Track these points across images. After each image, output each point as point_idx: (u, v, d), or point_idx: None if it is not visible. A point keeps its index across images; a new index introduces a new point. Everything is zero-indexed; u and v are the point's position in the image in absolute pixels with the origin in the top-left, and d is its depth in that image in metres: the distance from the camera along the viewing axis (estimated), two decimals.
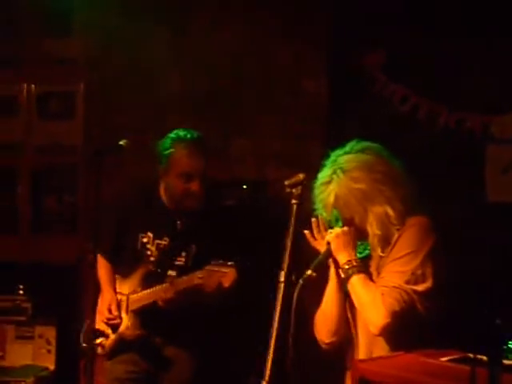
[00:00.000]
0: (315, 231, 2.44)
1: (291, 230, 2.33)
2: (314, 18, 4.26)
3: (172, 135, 3.20)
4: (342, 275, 2.35)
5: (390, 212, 2.31)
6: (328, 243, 2.37)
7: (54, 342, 4.35)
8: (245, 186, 4.22)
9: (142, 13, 4.51)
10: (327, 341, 2.46)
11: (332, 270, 2.41)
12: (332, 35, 4.21)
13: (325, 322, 2.45)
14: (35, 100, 4.80)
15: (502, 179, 3.98)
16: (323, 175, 2.38)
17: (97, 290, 3.18)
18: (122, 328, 3.21)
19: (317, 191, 2.39)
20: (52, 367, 4.35)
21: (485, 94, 3.97)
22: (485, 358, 1.67)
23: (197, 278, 2.96)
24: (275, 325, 2.22)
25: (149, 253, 3.19)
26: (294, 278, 2.30)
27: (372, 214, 2.32)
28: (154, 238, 3.19)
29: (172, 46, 4.57)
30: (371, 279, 2.33)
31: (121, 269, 3.31)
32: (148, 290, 3.14)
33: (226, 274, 2.88)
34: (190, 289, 2.99)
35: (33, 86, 4.81)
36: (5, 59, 4.75)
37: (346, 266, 2.33)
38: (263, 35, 4.42)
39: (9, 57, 4.77)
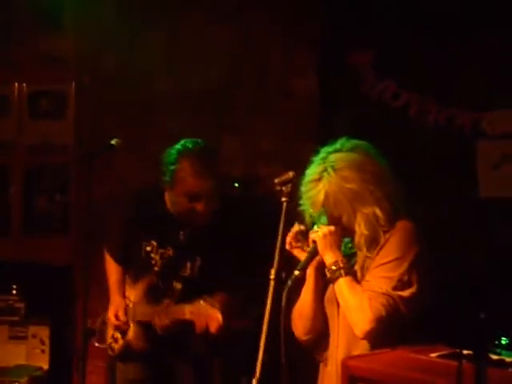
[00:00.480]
0: (294, 239, 2.42)
1: (281, 227, 2.34)
2: (304, 18, 4.26)
3: (179, 147, 2.99)
4: (329, 275, 2.35)
5: (379, 213, 2.31)
6: (314, 242, 2.36)
7: (47, 341, 4.35)
8: (236, 184, 4.23)
9: (134, 12, 4.51)
10: (304, 338, 2.48)
11: (311, 268, 2.40)
12: (322, 34, 4.21)
13: (301, 320, 2.46)
14: (26, 99, 4.79)
15: (493, 175, 3.99)
16: (312, 172, 2.37)
17: (89, 290, 3.17)
18: (129, 335, 3.20)
19: (305, 188, 2.37)
20: (46, 367, 4.35)
21: (475, 91, 3.98)
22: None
23: (188, 312, 2.93)
24: (265, 322, 2.23)
25: (153, 262, 3.13)
26: (283, 275, 2.31)
27: (361, 214, 2.32)
28: (158, 246, 3.12)
29: (163, 45, 4.57)
30: (357, 279, 2.33)
31: (131, 273, 3.28)
32: (149, 308, 3.11)
33: (213, 319, 2.85)
34: (181, 321, 2.96)
35: (24, 85, 4.80)
36: None
37: (334, 267, 2.32)
38: (254, 35, 4.42)
39: (0, 56, 4.76)
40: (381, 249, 2.33)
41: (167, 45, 4.56)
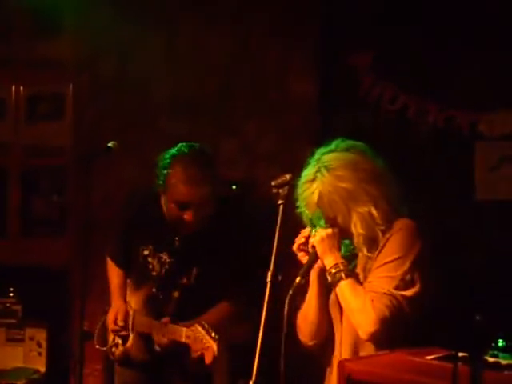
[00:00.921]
0: (303, 242, 2.39)
1: (278, 229, 2.34)
2: (301, 20, 4.27)
3: (174, 151, 2.87)
4: (330, 279, 2.32)
5: (374, 212, 2.29)
6: (313, 247, 2.34)
7: (44, 344, 4.35)
8: (234, 187, 4.22)
9: (132, 15, 4.51)
10: (310, 343, 2.45)
11: (313, 273, 2.38)
12: (320, 36, 4.22)
13: (306, 325, 2.44)
14: (24, 102, 4.79)
15: (490, 177, 3.99)
16: (307, 173, 2.35)
17: (86, 292, 3.16)
18: (128, 344, 3.18)
19: (300, 189, 2.36)
20: (43, 369, 4.35)
21: (473, 92, 3.99)
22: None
23: (184, 335, 2.89)
24: (262, 325, 2.23)
25: (150, 267, 3.09)
26: (280, 277, 2.30)
27: (356, 213, 2.30)
28: (155, 251, 3.08)
29: (162, 48, 4.57)
30: (359, 281, 2.32)
31: (132, 278, 3.24)
32: (149, 321, 3.07)
33: (208, 349, 2.80)
34: (178, 342, 2.94)
35: (21, 87, 4.80)
36: None
37: (334, 270, 2.30)
38: (253, 37, 4.42)
39: None
40: (382, 248, 2.30)
41: (166, 48, 4.57)
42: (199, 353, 2.85)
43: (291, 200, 2.39)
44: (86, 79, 4.68)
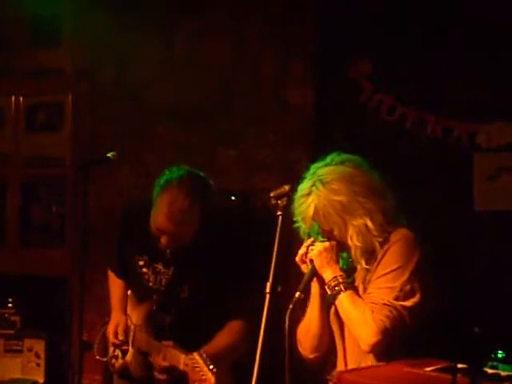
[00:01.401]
0: (305, 254, 2.40)
1: (277, 240, 2.34)
2: (299, 29, 4.28)
3: (162, 180, 2.88)
4: (329, 292, 2.33)
5: (370, 224, 2.30)
6: (311, 261, 2.35)
7: (43, 355, 4.34)
8: (233, 198, 4.22)
9: (131, 24, 4.52)
10: (311, 356, 2.46)
11: (314, 286, 2.39)
12: (318, 46, 4.22)
13: (308, 338, 2.44)
14: (23, 111, 4.80)
15: (488, 187, 4.00)
16: (302, 187, 2.36)
17: (85, 303, 3.16)
18: (127, 357, 3.16)
19: (296, 204, 2.37)
20: (41, 381, 4.34)
21: (471, 103, 3.99)
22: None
23: (183, 363, 2.87)
24: (261, 335, 2.23)
25: (146, 277, 3.08)
26: (279, 288, 2.30)
27: (351, 226, 2.31)
28: (150, 261, 3.07)
29: (160, 57, 4.58)
30: (358, 294, 2.32)
31: (132, 290, 3.23)
32: (149, 341, 3.05)
33: (206, 381, 2.77)
34: (176, 368, 2.91)
35: (21, 97, 4.81)
36: None
37: (333, 283, 2.31)
38: (250, 47, 4.43)
39: None
40: (381, 260, 2.31)
41: (164, 57, 4.57)
42: (195, 382, 2.82)
43: (290, 211, 2.39)
44: (85, 88, 4.68)
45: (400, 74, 4.09)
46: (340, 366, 2.40)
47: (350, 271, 2.40)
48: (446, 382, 1.67)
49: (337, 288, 2.30)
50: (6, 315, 4.39)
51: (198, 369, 2.80)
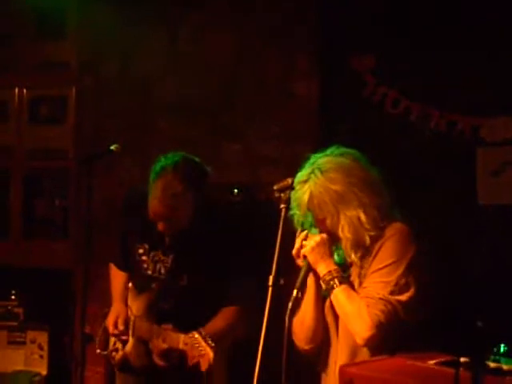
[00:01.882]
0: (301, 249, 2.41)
1: (280, 233, 2.34)
2: (304, 23, 4.27)
3: (157, 167, 2.95)
4: (324, 286, 2.34)
5: (363, 217, 2.31)
6: (305, 257, 2.36)
7: (46, 347, 4.35)
8: (236, 190, 4.22)
9: (135, 18, 4.52)
10: (306, 347, 2.46)
11: (310, 279, 2.40)
12: (322, 39, 4.22)
13: (302, 330, 2.44)
14: (27, 104, 4.80)
15: (492, 182, 3.99)
16: (301, 174, 2.37)
17: (88, 295, 3.16)
18: (127, 348, 3.18)
19: (294, 190, 2.38)
20: (44, 372, 4.35)
21: (475, 97, 3.99)
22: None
23: (182, 342, 2.91)
24: (264, 329, 2.23)
25: (145, 265, 3.12)
26: (282, 281, 2.30)
27: (344, 216, 2.32)
28: (150, 249, 3.11)
29: (164, 51, 4.58)
30: (353, 288, 2.33)
31: (133, 281, 3.25)
32: (149, 327, 3.08)
33: (204, 356, 2.83)
34: (175, 349, 2.95)
35: (24, 90, 4.81)
36: None
37: (327, 278, 2.32)
38: (254, 40, 4.42)
39: (0, 61, 4.77)
40: (376, 254, 2.31)
41: (168, 50, 4.57)
42: (195, 360, 2.86)
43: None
44: (89, 82, 4.68)
45: (404, 67, 4.08)
46: (333, 359, 2.40)
47: (346, 266, 2.40)
48: (450, 375, 1.67)
49: (331, 282, 2.31)
50: (10, 307, 4.40)
51: (196, 345, 2.85)
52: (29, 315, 4.41)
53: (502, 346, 1.96)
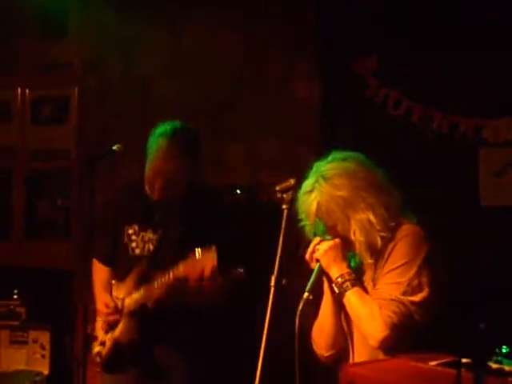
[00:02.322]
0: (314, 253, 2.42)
1: (282, 234, 2.34)
2: (306, 24, 4.27)
3: (158, 131, 3.18)
4: (336, 290, 2.34)
5: (373, 218, 2.31)
6: (317, 261, 2.36)
7: (48, 346, 4.35)
8: (238, 191, 4.23)
9: (138, 18, 4.52)
10: (326, 354, 2.47)
11: (326, 284, 2.41)
12: (323, 40, 4.22)
13: (322, 336, 2.45)
14: (29, 105, 4.80)
15: (494, 183, 3.99)
16: (305, 185, 2.39)
17: (88, 297, 3.17)
18: (116, 333, 3.19)
19: (299, 201, 2.38)
20: (46, 372, 4.35)
21: (478, 98, 3.98)
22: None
23: (181, 267, 2.96)
24: (266, 328, 2.23)
25: (134, 244, 3.19)
26: (284, 281, 2.30)
27: (354, 221, 2.32)
28: (139, 230, 3.19)
29: (167, 51, 4.58)
30: (366, 291, 2.33)
31: (117, 273, 3.29)
32: (139, 292, 3.13)
33: (207, 263, 2.89)
34: (176, 283, 2.97)
35: (27, 90, 4.81)
36: None
37: (340, 280, 2.33)
38: (256, 41, 4.42)
39: (3, 61, 4.77)
40: (389, 256, 2.31)
41: (170, 50, 4.57)
42: (198, 274, 2.89)
43: (295, 205, 2.40)
44: (92, 82, 4.69)
45: (406, 68, 4.08)
46: (349, 363, 2.40)
47: (359, 270, 2.40)
48: (451, 376, 1.67)
49: (344, 285, 2.32)
50: (12, 307, 4.41)
51: (196, 259, 2.90)
52: (31, 315, 4.42)
53: (504, 347, 1.96)
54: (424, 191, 3.87)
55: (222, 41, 4.46)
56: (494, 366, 1.90)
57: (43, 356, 4.36)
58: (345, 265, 2.35)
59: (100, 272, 3.33)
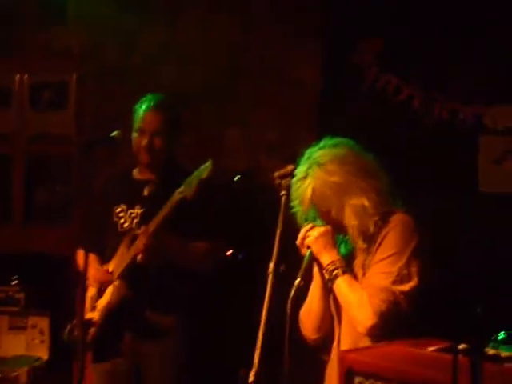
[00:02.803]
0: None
1: (280, 220, 2.35)
2: (307, 9, 4.26)
3: (141, 101, 3.37)
4: (327, 276, 2.36)
5: (366, 203, 2.33)
6: (308, 247, 2.37)
7: (47, 332, 4.36)
8: (237, 178, 4.22)
9: (137, 3, 4.51)
10: (313, 337, 2.49)
11: (316, 269, 2.43)
12: (326, 26, 4.21)
13: (310, 319, 2.47)
14: (28, 90, 4.80)
15: (494, 170, 3.99)
16: (299, 171, 2.40)
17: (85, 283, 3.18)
18: (105, 299, 3.22)
19: (293, 188, 2.39)
20: (45, 357, 4.36)
21: (478, 86, 3.98)
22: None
23: (177, 194, 3.05)
24: (264, 315, 2.23)
25: (122, 220, 3.27)
26: (282, 268, 2.31)
27: (348, 206, 2.34)
28: (128, 208, 3.28)
29: (166, 36, 4.57)
30: (356, 277, 2.35)
31: (109, 252, 3.32)
32: (127, 252, 3.19)
33: (202, 170, 3.01)
34: (173, 210, 3.05)
35: (26, 76, 4.80)
36: None
37: (330, 267, 2.34)
38: (257, 26, 4.41)
39: (2, 47, 4.76)
40: (380, 245, 2.33)
41: (169, 36, 4.56)
42: (195, 189, 3.01)
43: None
44: (90, 68, 4.68)
45: (407, 55, 4.07)
46: (335, 348, 2.43)
47: (351, 257, 2.42)
48: (448, 362, 1.67)
49: (334, 272, 2.33)
50: (11, 293, 4.42)
51: (192, 178, 3.03)
52: (30, 301, 4.42)
53: (501, 333, 1.97)
54: (423, 178, 3.88)
55: (222, 27, 4.45)
56: (491, 351, 1.91)
57: (42, 341, 4.37)
58: (335, 251, 2.37)
59: (90, 262, 3.32)
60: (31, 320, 4.39)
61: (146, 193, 3.29)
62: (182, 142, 3.47)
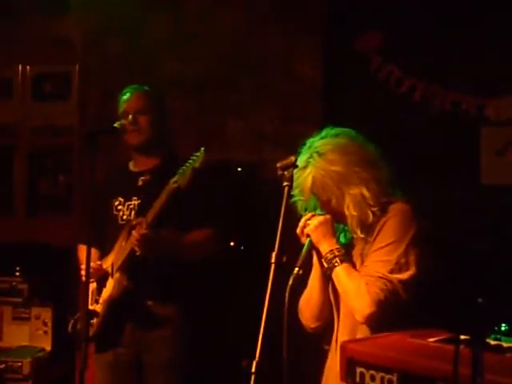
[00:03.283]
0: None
1: (283, 211, 2.35)
2: (308, 2, 4.25)
3: (127, 89, 3.40)
4: (326, 265, 2.37)
5: (366, 193, 2.34)
6: (308, 236, 2.38)
7: (50, 323, 4.38)
8: (239, 169, 4.23)
9: None
10: (312, 325, 2.50)
11: (315, 258, 2.43)
12: (327, 18, 4.20)
13: (309, 308, 2.48)
14: (30, 81, 4.79)
15: (496, 161, 3.98)
16: (299, 160, 2.38)
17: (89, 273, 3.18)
18: (107, 291, 3.24)
19: (294, 177, 2.39)
20: (48, 348, 4.38)
21: (481, 77, 3.97)
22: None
23: (172, 183, 3.04)
24: (266, 306, 2.23)
25: (121, 213, 3.29)
26: (284, 259, 2.31)
27: (348, 195, 2.35)
28: (125, 200, 3.30)
29: (168, 27, 4.56)
30: (354, 266, 2.35)
31: (107, 246, 3.33)
32: (125, 244, 3.20)
33: (195, 159, 3.00)
34: (168, 200, 3.04)
35: (28, 66, 4.80)
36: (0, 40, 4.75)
37: (329, 256, 2.35)
38: (259, 19, 4.40)
39: (4, 38, 4.76)
40: (378, 234, 2.34)
41: (172, 27, 4.55)
42: (190, 178, 2.99)
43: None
44: (93, 58, 4.67)
45: (409, 46, 4.06)
46: (334, 336, 2.43)
47: (349, 244, 2.43)
48: (449, 352, 1.68)
49: (333, 261, 2.34)
50: (14, 283, 4.43)
51: (186, 167, 3.02)
52: (33, 291, 4.44)
53: (504, 325, 1.97)
54: (425, 169, 3.88)
55: (225, 18, 4.44)
56: (493, 342, 1.91)
57: (45, 332, 4.39)
58: (334, 240, 2.37)
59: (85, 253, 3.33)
60: (34, 311, 4.40)
61: (140, 183, 3.31)
62: (171, 127, 3.49)
